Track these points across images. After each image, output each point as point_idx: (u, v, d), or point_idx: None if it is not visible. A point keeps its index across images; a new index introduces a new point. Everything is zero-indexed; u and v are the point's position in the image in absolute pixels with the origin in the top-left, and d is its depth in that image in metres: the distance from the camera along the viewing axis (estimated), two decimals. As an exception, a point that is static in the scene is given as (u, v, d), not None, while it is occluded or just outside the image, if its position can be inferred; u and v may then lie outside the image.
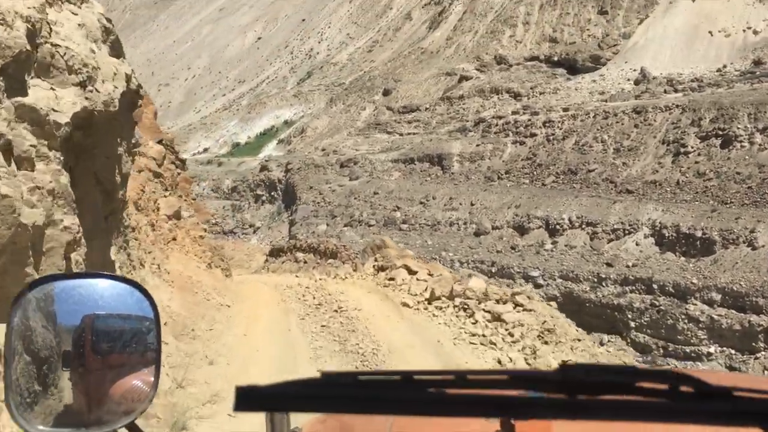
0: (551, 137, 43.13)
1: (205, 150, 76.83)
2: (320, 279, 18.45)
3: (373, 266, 18.93)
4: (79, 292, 1.64)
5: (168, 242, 13.65)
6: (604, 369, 0.98)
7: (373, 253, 20.68)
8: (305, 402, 0.96)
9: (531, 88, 54.82)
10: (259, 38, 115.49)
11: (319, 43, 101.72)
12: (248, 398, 0.95)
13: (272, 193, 56.66)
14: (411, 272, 17.10)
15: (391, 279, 16.94)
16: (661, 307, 29.27)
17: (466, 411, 0.93)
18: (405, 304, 14.35)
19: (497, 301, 13.72)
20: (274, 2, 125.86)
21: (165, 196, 15.11)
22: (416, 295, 15.12)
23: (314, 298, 14.78)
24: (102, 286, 1.69)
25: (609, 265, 31.10)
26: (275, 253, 26.97)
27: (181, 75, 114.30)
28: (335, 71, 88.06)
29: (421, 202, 42.14)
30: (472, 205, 39.61)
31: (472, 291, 14.31)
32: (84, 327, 1.59)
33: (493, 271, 33.95)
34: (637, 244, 31.82)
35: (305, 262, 23.53)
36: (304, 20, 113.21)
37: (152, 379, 1.61)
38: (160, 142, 16.68)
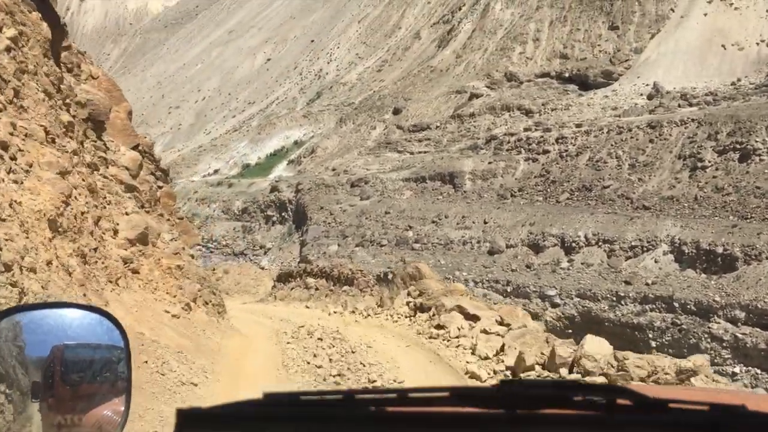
0: (564, 154, 42.54)
1: (216, 171, 76.73)
2: (335, 312, 16.38)
3: (407, 303, 14.53)
4: (48, 323, 1.62)
5: (119, 278, 9.77)
6: (542, 384, 1.00)
7: (405, 285, 15.94)
8: (247, 423, 0.96)
9: (542, 105, 54.35)
10: (269, 59, 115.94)
11: (328, 63, 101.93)
12: (190, 421, 0.95)
13: (283, 214, 56.26)
14: (469, 317, 12.52)
15: (440, 327, 12.48)
16: (683, 326, 28.43)
17: (407, 428, 0.94)
18: (473, 375, 10.04)
19: (649, 380, 8.23)
20: (283, 24, 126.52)
21: (126, 214, 11.25)
22: (487, 358, 10.66)
23: (331, 360, 10.71)
24: (71, 315, 1.67)
25: (628, 283, 30.33)
26: (284, 278, 24.71)
27: (191, 97, 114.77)
28: (345, 91, 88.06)
29: (434, 221, 41.56)
30: (485, 223, 38.99)
31: (592, 360, 9.12)
32: (53, 357, 1.57)
33: (509, 290, 33.24)
34: (656, 261, 31.06)
35: (317, 289, 21.88)
36: (312, 41, 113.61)
37: (122, 408, 1.61)
38: (135, 147, 13.91)
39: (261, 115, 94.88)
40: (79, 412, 1.58)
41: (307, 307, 19.06)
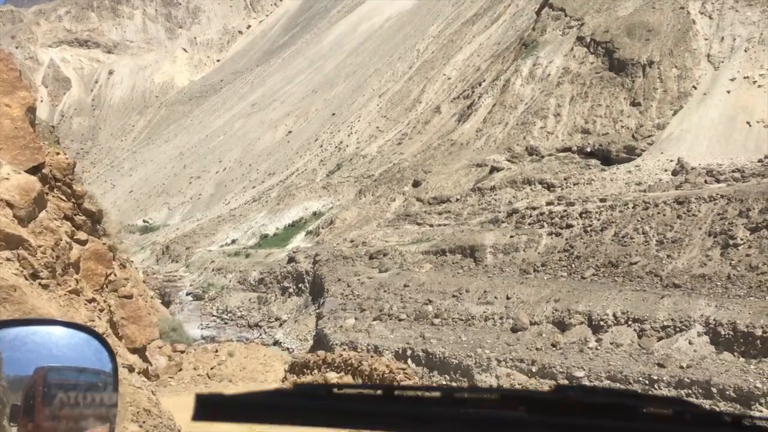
0: (589, 228, 41.50)
1: (233, 241, 76.40)
2: None
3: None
4: (33, 340, 1.54)
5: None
6: (603, 391, 0.95)
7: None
8: (273, 414, 0.90)
9: (564, 179, 53.69)
10: (290, 132, 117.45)
11: (349, 136, 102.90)
12: (209, 407, 0.90)
13: (299, 285, 55.26)
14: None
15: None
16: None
17: (453, 430, 0.87)
18: None
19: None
20: (305, 98, 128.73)
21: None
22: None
23: None
24: (57, 334, 1.58)
25: (661, 365, 28.70)
26: (297, 369, 19.20)
27: (212, 168, 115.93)
28: (364, 163, 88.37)
29: (454, 296, 40.33)
30: (507, 298, 37.70)
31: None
32: (35, 379, 1.49)
33: (534, 370, 31.65)
34: (690, 343, 29.47)
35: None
36: (334, 114, 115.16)
37: None
38: (36, 169, 8.22)
39: (281, 186, 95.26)
40: None
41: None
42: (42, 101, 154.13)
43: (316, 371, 17.23)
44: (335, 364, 16.87)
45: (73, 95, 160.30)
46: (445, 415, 0.85)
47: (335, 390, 0.96)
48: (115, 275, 9.78)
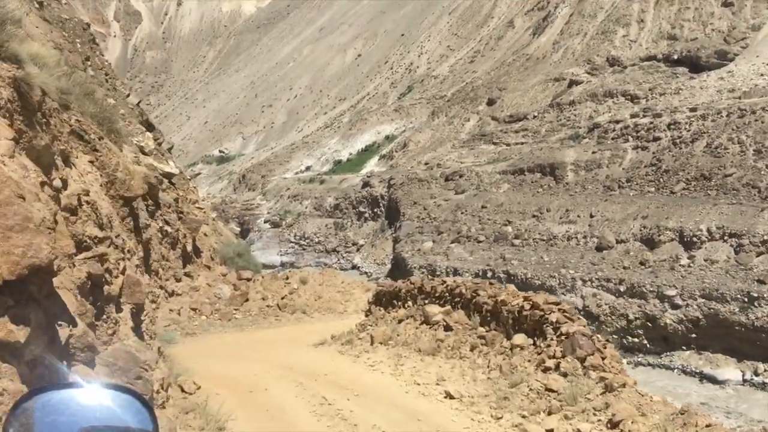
0: (678, 140, 39.08)
1: (308, 168, 76.56)
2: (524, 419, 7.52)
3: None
4: (77, 402, 1.58)
5: None
6: None
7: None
8: None
9: (649, 90, 50.67)
10: (359, 55, 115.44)
11: (419, 56, 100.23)
12: None
13: (375, 210, 54.98)
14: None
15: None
16: (829, 331, 24.97)
17: None
18: None
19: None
20: (373, 19, 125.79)
21: None
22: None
23: None
24: (100, 395, 1.61)
25: (761, 282, 26.99)
26: (383, 300, 13.89)
27: (283, 95, 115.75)
28: (436, 84, 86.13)
29: (534, 215, 39.09)
30: (591, 217, 36.21)
31: None
32: None
33: (622, 290, 30.44)
34: (793, 258, 27.56)
35: (449, 329, 10.91)
36: (403, 35, 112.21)
37: None
38: None
39: (352, 111, 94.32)
40: None
41: (439, 385, 8.94)
42: (115, 36, 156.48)
43: (410, 303, 12.74)
44: (436, 294, 12.07)
45: (144, 29, 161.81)
46: None
47: None
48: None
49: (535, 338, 9.27)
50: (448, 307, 11.42)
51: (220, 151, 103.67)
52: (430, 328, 11.21)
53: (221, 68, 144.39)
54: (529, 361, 8.97)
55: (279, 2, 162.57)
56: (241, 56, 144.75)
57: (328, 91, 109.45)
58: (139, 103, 20.42)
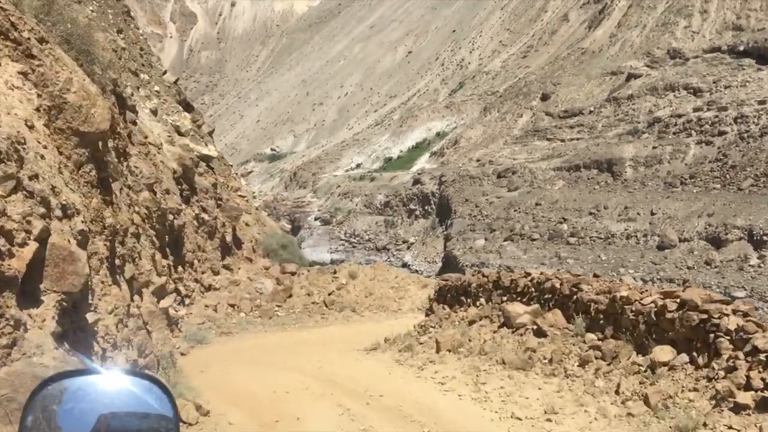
0: (745, 134, 37.19)
1: (358, 166, 76.16)
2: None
3: None
4: (96, 389, 1.57)
5: None
6: None
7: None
8: None
9: (713, 82, 48.45)
10: (410, 52, 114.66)
11: (471, 52, 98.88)
12: None
13: (426, 207, 54.15)
14: None
15: None
16: None
17: None
18: None
19: None
20: (424, 15, 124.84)
21: None
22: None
23: None
24: (120, 382, 1.61)
25: (840, 284, 25.30)
26: (448, 297, 11.87)
27: (334, 93, 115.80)
28: (488, 80, 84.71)
29: (591, 213, 37.70)
30: (652, 214, 34.69)
31: None
32: (99, 427, 1.51)
33: (685, 290, 28.96)
34: None
35: (543, 335, 8.79)
36: (454, 31, 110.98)
37: None
38: None
39: (402, 108, 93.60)
40: None
41: (551, 422, 6.67)
42: (171, 37, 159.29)
43: (483, 300, 10.51)
44: (517, 289, 9.88)
45: (200, 29, 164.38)
46: None
47: None
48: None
49: (695, 353, 6.62)
50: (536, 305, 9.23)
51: (272, 149, 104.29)
52: (514, 332, 9.10)
53: (273, 67, 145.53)
54: (693, 389, 6.28)
55: (330, 1, 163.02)
56: (293, 55, 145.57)
57: (378, 89, 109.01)
58: (176, 81, 19.90)
